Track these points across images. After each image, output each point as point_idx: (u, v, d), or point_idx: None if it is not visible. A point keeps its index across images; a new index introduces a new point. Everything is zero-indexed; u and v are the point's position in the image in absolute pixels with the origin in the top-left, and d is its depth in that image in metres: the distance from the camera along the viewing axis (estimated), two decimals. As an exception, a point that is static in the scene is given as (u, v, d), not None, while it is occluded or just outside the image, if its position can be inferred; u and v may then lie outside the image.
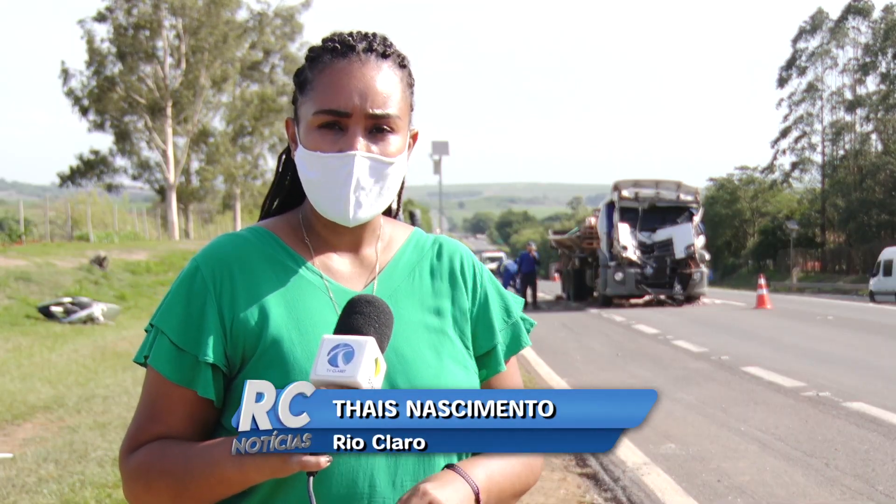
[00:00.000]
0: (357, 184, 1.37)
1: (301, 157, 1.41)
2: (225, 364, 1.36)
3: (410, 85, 1.45)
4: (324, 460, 1.17)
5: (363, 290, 1.43)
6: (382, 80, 1.39)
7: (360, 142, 1.37)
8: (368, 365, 1.19)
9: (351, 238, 1.46)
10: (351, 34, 1.43)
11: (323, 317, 1.38)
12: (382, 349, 1.24)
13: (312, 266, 1.43)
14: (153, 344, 1.38)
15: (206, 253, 1.43)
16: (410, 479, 1.34)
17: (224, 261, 1.41)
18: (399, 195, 1.57)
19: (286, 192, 1.54)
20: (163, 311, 1.39)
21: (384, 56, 1.41)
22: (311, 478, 1.19)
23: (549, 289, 40.14)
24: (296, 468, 1.17)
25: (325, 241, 1.46)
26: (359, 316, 1.25)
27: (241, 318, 1.37)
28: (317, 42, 1.46)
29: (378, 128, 1.38)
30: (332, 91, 1.37)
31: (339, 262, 1.45)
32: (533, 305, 26.64)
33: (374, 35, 1.43)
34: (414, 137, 1.48)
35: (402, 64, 1.44)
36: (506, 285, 28.92)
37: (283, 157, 1.54)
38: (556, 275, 38.94)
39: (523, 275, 28.17)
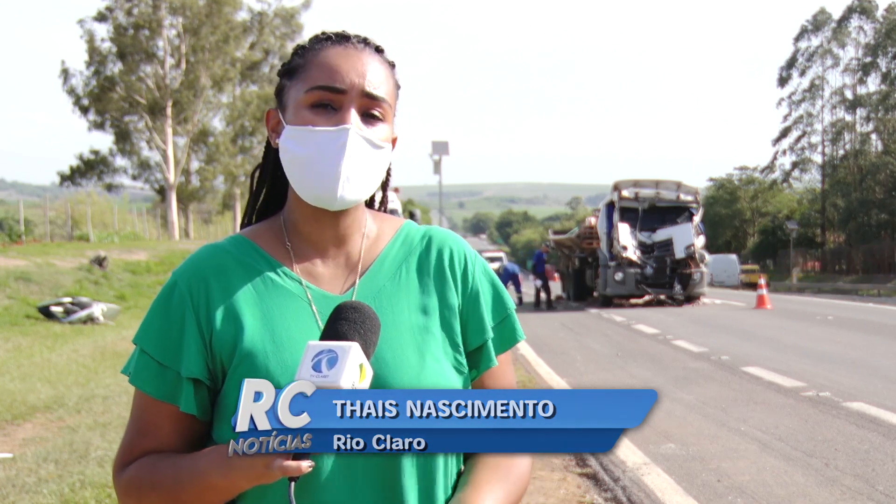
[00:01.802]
0: (349, 159, 1.36)
1: (289, 135, 1.39)
2: (208, 377, 1.36)
3: (397, 86, 1.46)
4: (305, 465, 1.16)
5: (345, 293, 1.42)
6: (377, 68, 1.41)
7: (355, 119, 1.37)
8: (352, 370, 1.18)
9: (334, 232, 1.44)
10: (343, 31, 1.45)
11: (300, 325, 1.37)
12: (368, 355, 1.23)
13: (292, 272, 1.42)
14: (135, 361, 1.38)
15: (184, 267, 1.42)
16: (392, 485, 1.34)
17: (201, 274, 1.40)
18: (385, 190, 1.56)
19: (267, 199, 1.53)
20: (143, 329, 1.39)
21: (378, 51, 1.44)
22: (293, 483, 1.19)
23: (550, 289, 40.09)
24: (278, 474, 1.17)
25: (307, 239, 1.44)
26: (344, 322, 1.24)
27: (219, 330, 1.36)
28: (305, 41, 1.47)
29: (370, 113, 1.38)
30: (328, 69, 1.38)
31: (320, 264, 1.44)
32: (547, 305, 26.63)
33: (368, 36, 1.46)
34: (393, 142, 1.46)
35: (392, 65, 1.46)
36: (504, 285, 28.82)
37: (258, 171, 1.53)
38: (556, 275, 38.89)
39: (538, 274, 28.17)
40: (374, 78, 1.39)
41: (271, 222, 1.48)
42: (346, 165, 1.35)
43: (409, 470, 1.35)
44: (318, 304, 1.39)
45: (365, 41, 1.43)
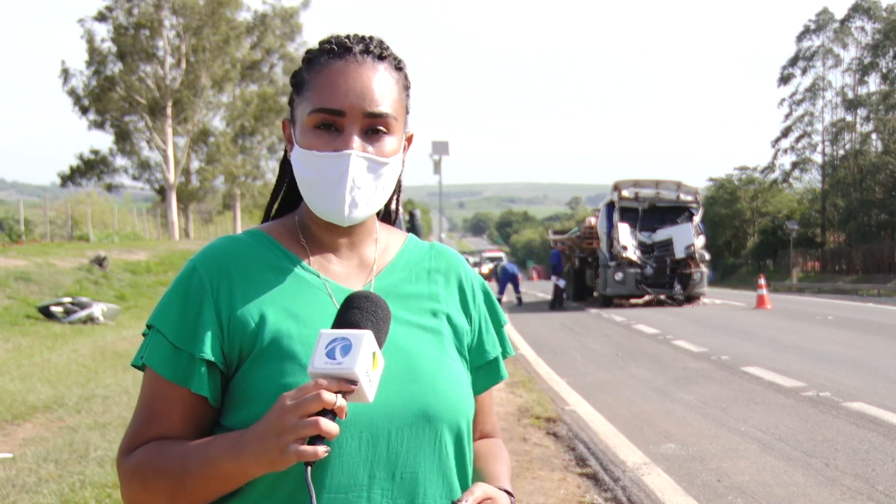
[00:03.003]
0: (352, 183, 1.37)
1: (297, 157, 1.41)
2: (222, 362, 1.36)
3: (406, 87, 1.46)
4: (321, 450, 1.17)
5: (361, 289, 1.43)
6: (379, 81, 1.40)
7: (356, 142, 1.37)
8: (366, 358, 1.19)
9: (347, 239, 1.46)
10: (348, 36, 1.44)
11: (322, 312, 1.37)
12: (380, 344, 1.24)
13: (309, 266, 1.43)
14: (150, 343, 1.38)
15: (204, 254, 1.42)
16: (410, 472, 1.34)
17: (221, 261, 1.40)
18: (398, 200, 1.59)
19: (284, 195, 1.55)
20: (159, 311, 1.39)
21: (381, 58, 1.43)
22: (309, 468, 1.19)
23: (549, 288, 40.10)
24: (293, 459, 1.18)
25: (321, 242, 1.46)
26: (356, 311, 1.26)
27: (239, 316, 1.36)
28: (314, 45, 1.47)
29: (374, 128, 1.39)
30: (328, 91, 1.38)
31: (336, 262, 1.45)
32: (554, 305, 26.64)
33: (371, 38, 1.44)
34: (409, 140, 1.49)
35: (399, 67, 1.45)
36: (503, 287, 28.91)
37: (283, 159, 1.55)
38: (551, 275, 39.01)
39: (559, 273, 28.21)
40: (375, 94, 1.38)
41: (286, 221, 1.50)
42: (349, 190, 1.37)
43: (427, 455, 1.36)
44: (338, 296, 1.40)
45: (367, 50, 1.42)
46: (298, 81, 1.43)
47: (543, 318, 21.60)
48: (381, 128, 1.39)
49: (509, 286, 29.18)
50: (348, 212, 1.38)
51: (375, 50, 1.42)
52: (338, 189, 1.37)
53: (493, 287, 29.94)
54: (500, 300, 28.64)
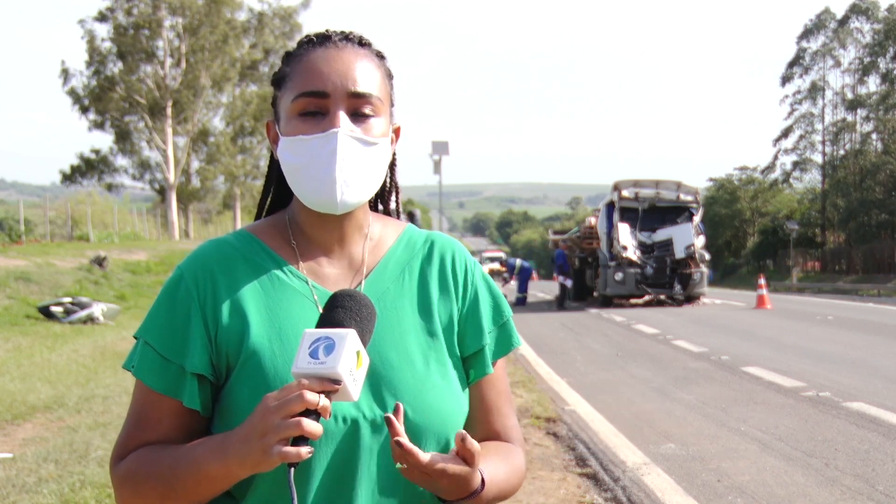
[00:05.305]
0: (342, 163, 1.34)
1: (283, 147, 1.39)
2: (212, 373, 1.35)
3: (390, 76, 1.45)
4: (304, 451, 1.16)
5: None
6: (361, 64, 1.39)
7: (343, 119, 1.35)
8: (349, 357, 1.18)
9: (338, 234, 1.43)
10: (327, 29, 1.44)
11: (307, 324, 1.35)
12: (365, 342, 1.23)
13: (297, 271, 1.41)
14: (139, 354, 1.37)
15: (190, 260, 1.41)
16: (394, 484, 1.33)
17: (207, 268, 1.39)
18: (398, 201, 1.56)
19: (275, 196, 1.53)
20: (147, 322, 1.38)
21: (361, 44, 1.42)
22: (293, 469, 1.18)
23: (549, 288, 40.13)
24: (277, 460, 1.17)
25: (311, 240, 1.44)
26: (340, 310, 1.24)
27: (225, 326, 1.35)
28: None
29: (360, 112, 1.37)
30: (310, 75, 1.36)
31: (325, 263, 1.43)
32: (560, 305, 26.72)
33: (351, 31, 1.44)
34: (396, 132, 1.46)
35: (381, 55, 1.44)
36: (524, 284, 28.99)
37: (270, 162, 1.53)
38: (556, 274, 39.09)
39: (565, 273, 28.29)
40: (358, 75, 1.37)
41: (276, 219, 1.47)
42: (340, 169, 1.34)
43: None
44: (324, 303, 1.37)
45: (347, 37, 1.41)
46: (279, 77, 1.42)
47: (543, 318, 21.60)
48: (367, 110, 1.37)
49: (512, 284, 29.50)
50: (340, 194, 1.35)
51: (355, 38, 1.42)
52: (328, 170, 1.34)
53: (503, 285, 30.10)
54: (524, 300, 28.72)
